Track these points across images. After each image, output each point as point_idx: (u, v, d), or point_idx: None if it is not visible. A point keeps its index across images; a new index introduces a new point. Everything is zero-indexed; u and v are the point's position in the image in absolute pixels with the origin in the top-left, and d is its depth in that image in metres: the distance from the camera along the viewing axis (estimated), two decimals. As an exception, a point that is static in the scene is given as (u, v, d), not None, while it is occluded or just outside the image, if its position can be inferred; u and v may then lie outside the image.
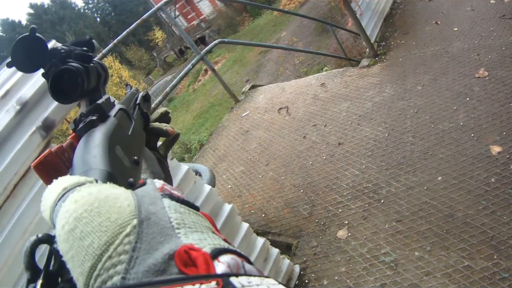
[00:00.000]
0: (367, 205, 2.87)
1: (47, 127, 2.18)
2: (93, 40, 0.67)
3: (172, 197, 0.36)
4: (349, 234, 2.76)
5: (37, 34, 0.54)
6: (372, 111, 3.88)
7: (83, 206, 0.32)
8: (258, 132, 4.72)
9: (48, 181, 0.51)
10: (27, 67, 0.56)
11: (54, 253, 0.35)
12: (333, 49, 8.09)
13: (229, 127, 5.30)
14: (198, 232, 0.32)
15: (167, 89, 4.52)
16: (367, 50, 5.16)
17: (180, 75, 4.81)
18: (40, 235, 0.36)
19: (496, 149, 2.71)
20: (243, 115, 5.35)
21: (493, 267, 2.07)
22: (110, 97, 0.64)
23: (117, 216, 0.31)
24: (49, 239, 0.36)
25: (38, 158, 0.53)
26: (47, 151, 0.54)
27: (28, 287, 0.35)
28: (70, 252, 0.30)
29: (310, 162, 3.67)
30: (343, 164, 3.39)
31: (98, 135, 0.50)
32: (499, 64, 3.57)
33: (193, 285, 0.25)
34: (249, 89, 6.00)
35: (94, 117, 0.54)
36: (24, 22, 47.23)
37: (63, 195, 0.35)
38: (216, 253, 0.29)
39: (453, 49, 4.25)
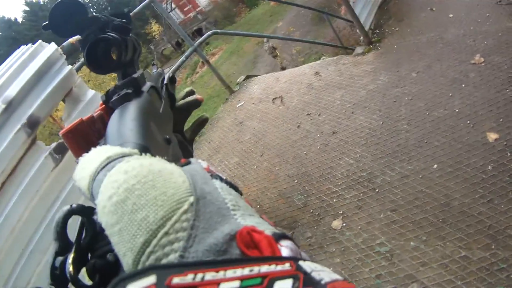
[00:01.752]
0: (361, 194, 2.82)
1: (32, 124, 2.18)
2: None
3: (221, 178, 0.35)
4: (344, 224, 2.71)
5: None
6: (366, 99, 3.81)
7: (136, 178, 0.30)
8: (253, 122, 4.66)
9: (75, 150, 0.52)
10: (64, 31, 0.55)
11: (86, 226, 0.34)
12: (330, 38, 8.00)
13: (224, 118, 5.25)
14: (252, 216, 0.31)
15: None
16: (361, 38, 5.09)
17: (174, 67, 4.76)
18: (74, 205, 0.34)
19: (492, 136, 2.65)
20: (237, 105, 5.29)
21: (490, 258, 2.02)
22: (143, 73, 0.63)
23: (173, 191, 0.29)
24: (83, 210, 0.34)
25: (69, 126, 0.52)
26: (78, 119, 0.52)
27: (55, 260, 0.32)
28: (118, 225, 0.28)
29: (305, 152, 3.61)
30: (337, 153, 3.34)
31: (134, 109, 0.49)
32: (495, 50, 3.50)
33: (269, 265, 0.24)
34: (243, 80, 5.94)
35: (129, 91, 0.53)
36: (20, 20, 46.93)
37: (106, 164, 0.33)
38: (277, 238, 0.28)
39: (449, 36, 4.17)
